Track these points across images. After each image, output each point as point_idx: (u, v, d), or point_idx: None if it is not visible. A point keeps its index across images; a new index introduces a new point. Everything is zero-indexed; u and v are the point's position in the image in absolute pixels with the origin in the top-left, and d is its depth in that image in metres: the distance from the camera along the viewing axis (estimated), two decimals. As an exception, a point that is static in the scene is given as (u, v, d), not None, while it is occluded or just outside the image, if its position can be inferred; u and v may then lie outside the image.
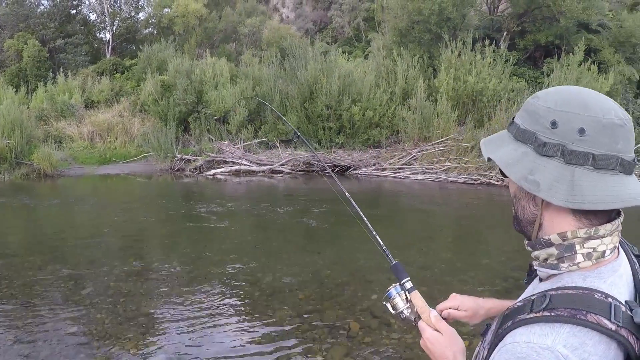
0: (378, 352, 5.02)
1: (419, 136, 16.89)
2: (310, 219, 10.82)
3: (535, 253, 1.21)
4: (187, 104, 18.55)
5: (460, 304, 1.65)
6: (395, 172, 15.80)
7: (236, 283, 6.74)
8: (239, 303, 6.11)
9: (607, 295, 1.05)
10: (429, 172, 15.87)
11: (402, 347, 5.15)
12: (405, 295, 1.68)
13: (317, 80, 17.51)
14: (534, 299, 1.10)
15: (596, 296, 1.05)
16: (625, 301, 1.07)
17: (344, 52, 22.16)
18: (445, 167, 16.00)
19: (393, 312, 1.69)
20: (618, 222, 1.14)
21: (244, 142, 17.58)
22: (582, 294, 1.06)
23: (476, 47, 19.23)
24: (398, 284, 1.71)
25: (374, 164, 16.17)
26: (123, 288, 6.50)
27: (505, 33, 23.17)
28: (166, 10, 29.07)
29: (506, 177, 1.21)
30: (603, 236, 1.12)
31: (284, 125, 17.29)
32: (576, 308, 1.03)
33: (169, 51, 22.89)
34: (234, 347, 5.06)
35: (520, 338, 1.04)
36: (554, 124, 1.11)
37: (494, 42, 20.52)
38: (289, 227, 10.20)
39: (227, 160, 16.97)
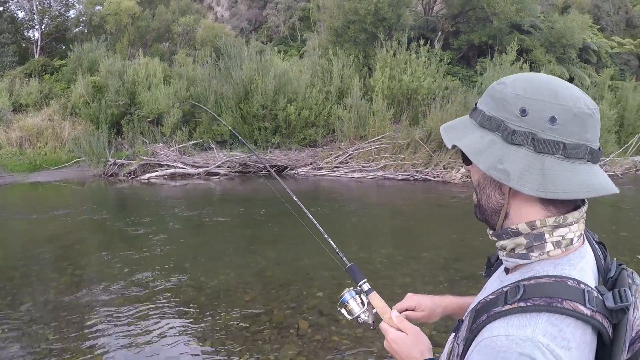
0: (329, 348, 5.06)
1: (355, 135, 16.94)
2: (249, 219, 10.68)
3: (502, 243, 1.17)
4: (120, 105, 18.03)
5: (417, 304, 1.62)
6: (332, 171, 15.80)
7: (180, 289, 6.56)
8: (185, 309, 5.94)
9: (579, 282, 1.05)
10: (366, 170, 15.95)
11: (352, 341, 5.21)
12: (361, 298, 1.65)
13: (253, 80, 17.33)
14: (507, 291, 1.08)
15: (569, 283, 1.05)
16: (595, 286, 1.07)
17: (279, 52, 22.06)
18: (382, 165, 16.10)
19: (349, 317, 1.66)
20: (583, 209, 1.14)
21: (178, 145, 17.22)
22: (555, 282, 1.05)
23: (411, 46, 19.46)
24: (352, 288, 1.68)
25: (311, 163, 16.12)
26: (64, 301, 6.16)
27: (439, 33, 23.58)
28: (98, 7, 28.20)
29: (468, 164, 1.20)
30: (571, 224, 1.11)
31: (219, 126, 17.06)
32: (551, 296, 1.02)
33: (101, 51, 22.11)
34: (185, 352, 4.96)
35: (498, 331, 1.02)
36: (523, 112, 1.07)
37: (429, 41, 20.83)
38: (228, 229, 10.01)
39: (162, 163, 16.57)
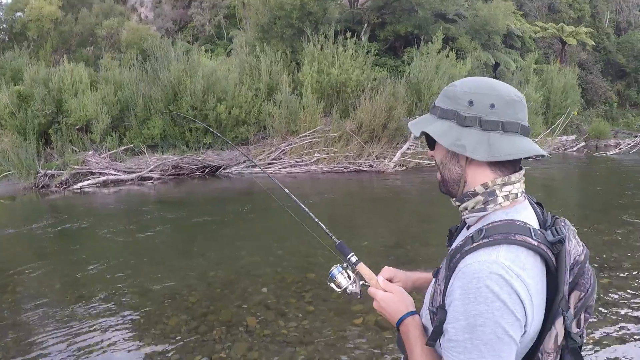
0: (279, 342, 5.18)
1: (287, 130, 17.00)
2: (186, 222, 10.64)
3: (465, 204, 1.53)
4: (47, 114, 17.55)
5: (394, 275, 1.88)
6: (266, 168, 15.81)
7: (125, 297, 6.49)
8: (132, 316, 5.90)
9: (525, 223, 1.42)
10: (300, 165, 16.06)
11: (300, 333, 5.37)
12: (347, 273, 1.87)
13: (181, 81, 17.13)
14: (472, 235, 1.42)
15: (518, 223, 1.41)
16: (537, 228, 1.44)
17: (206, 51, 21.89)
18: (315, 159, 16.23)
19: (338, 290, 1.87)
20: (522, 172, 1.51)
21: (109, 151, 16.89)
22: (508, 223, 1.41)
23: (338, 39, 19.54)
24: (338, 264, 1.90)
25: (244, 162, 16.08)
26: (8, 319, 5.97)
27: (366, 25, 23.83)
28: (18, 14, 27.43)
29: (432, 149, 1.59)
30: (514, 182, 1.48)
31: (149, 129, 16.86)
32: (506, 232, 1.37)
33: (24, 59, 21.56)
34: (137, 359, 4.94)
35: (470, 260, 1.35)
36: (471, 103, 1.45)
37: (356, 34, 21.03)
38: (166, 233, 9.94)
39: (94, 171, 16.20)
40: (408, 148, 17.76)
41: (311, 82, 18.35)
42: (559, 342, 1.41)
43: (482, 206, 1.49)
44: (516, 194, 1.49)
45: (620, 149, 26.42)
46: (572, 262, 1.43)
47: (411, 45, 23.51)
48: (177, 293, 6.50)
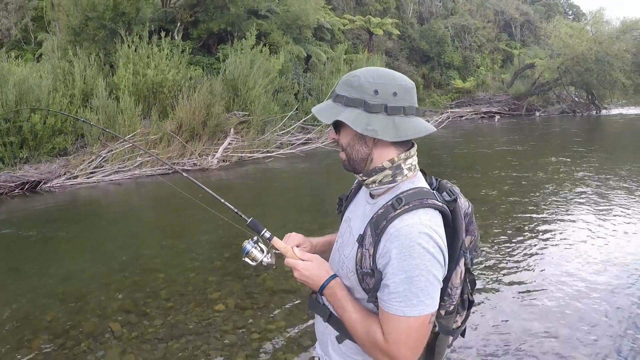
0: (149, 340, 5.39)
1: (106, 136, 16.80)
2: (15, 243, 9.97)
3: (372, 178, 1.79)
4: None
5: (302, 241, 2.11)
6: (88, 178, 15.48)
7: None
8: None
9: (428, 188, 1.77)
10: (123, 171, 15.92)
11: (168, 328, 5.64)
12: (260, 246, 2.04)
13: (-11, 91, 16.34)
14: (392, 203, 1.70)
15: (425, 190, 1.74)
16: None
17: (16, 57, 20.90)
18: (138, 163, 16.24)
19: (253, 263, 2.04)
20: (415, 147, 1.82)
21: None
22: (418, 190, 1.73)
23: (152, 40, 19.54)
24: (250, 239, 2.05)
25: (65, 173, 15.57)
26: None
27: (179, 24, 23.87)
28: None
29: (337, 132, 1.84)
30: (413, 156, 1.80)
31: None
32: (420, 198, 1.68)
33: None
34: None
35: (399, 224, 1.63)
36: (376, 92, 1.70)
37: (169, 33, 21.11)
38: None
39: None
40: (229, 143, 18.28)
41: (127, 85, 18.18)
42: (462, 277, 1.81)
43: (391, 179, 1.76)
44: (415, 166, 1.81)
45: (428, 126, 28.79)
46: (463, 214, 1.80)
47: (225, 42, 24.00)
48: (30, 315, 6.23)
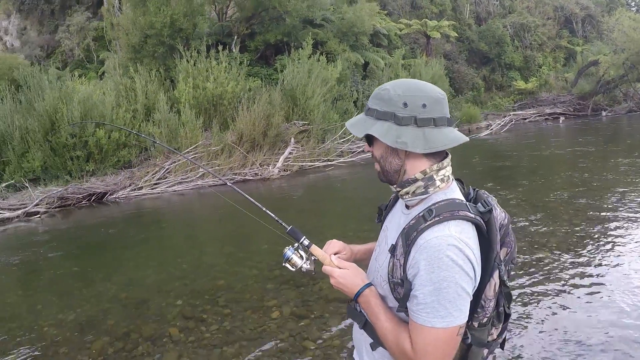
0: (205, 345, 5.46)
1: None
2: (83, 251, 10.48)
3: (406, 189, 1.79)
4: None
5: (342, 248, 2.13)
6: (152, 189, 15.83)
7: (40, 330, 6.31)
8: (53, 347, 5.80)
9: (461, 200, 1.74)
10: (186, 182, 16.15)
11: (223, 334, 5.68)
12: (299, 252, 2.08)
13: (57, 109, 16.82)
14: (423, 215, 1.70)
15: (457, 201, 1.72)
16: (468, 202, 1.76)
17: (79, 76, 21.52)
18: (200, 174, 16.44)
19: (293, 269, 2.08)
20: (449, 158, 1.79)
21: (-13, 189, 16.36)
22: (449, 202, 1.71)
23: (210, 53, 19.83)
24: (290, 246, 2.10)
25: (130, 185, 15.98)
26: None
27: (236, 37, 24.17)
28: None
29: (370, 145, 1.86)
30: (446, 167, 1.77)
31: (29, 162, 16.45)
32: (451, 210, 1.67)
33: None
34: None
35: (429, 236, 1.62)
36: (405, 105, 1.70)
37: (227, 46, 21.38)
38: (65, 265, 9.65)
39: (-26, 213, 15.65)
40: (290, 153, 18.28)
41: (188, 98, 18.52)
42: (496, 289, 1.78)
43: (424, 190, 1.76)
44: (448, 176, 1.79)
45: (491, 129, 28.12)
46: (498, 225, 1.79)
47: (282, 53, 24.14)
48: (94, 318, 6.49)
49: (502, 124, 29.53)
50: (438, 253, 1.59)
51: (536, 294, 6.16)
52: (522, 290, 6.24)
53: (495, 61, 40.91)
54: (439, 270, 1.58)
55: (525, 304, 5.88)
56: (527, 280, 6.53)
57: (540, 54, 43.28)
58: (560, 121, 33.55)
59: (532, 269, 6.92)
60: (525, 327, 5.35)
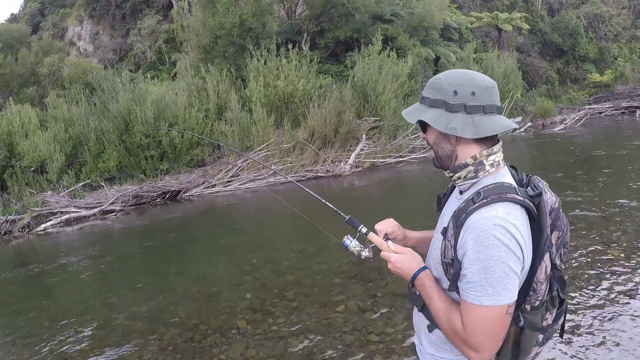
0: (272, 337, 5.58)
1: (241, 146, 17.21)
2: (157, 246, 10.80)
3: (458, 174, 1.88)
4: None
5: (395, 227, 2.28)
6: (225, 186, 15.97)
7: (115, 322, 6.62)
8: (127, 337, 6.09)
9: (510, 184, 1.79)
10: (258, 179, 16.23)
11: (290, 326, 5.79)
12: (357, 241, 2.19)
13: (131, 110, 17.20)
14: (472, 197, 1.77)
15: (505, 184, 1.78)
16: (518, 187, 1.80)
17: (152, 78, 21.94)
18: (272, 171, 16.45)
19: (357, 256, 2.20)
20: (500, 144, 1.87)
21: (67, 189, 16.81)
22: (498, 185, 1.78)
23: (280, 52, 19.88)
24: (348, 235, 2.21)
25: (203, 183, 16.20)
26: None
27: (305, 35, 24.10)
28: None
29: (424, 132, 1.95)
30: (496, 153, 1.84)
31: (105, 162, 16.88)
32: (499, 192, 1.73)
33: (-33, 106, 21.36)
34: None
35: (476, 217, 1.70)
36: (455, 93, 1.79)
37: (296, 44, 21.33)
38: (139, 260, 10.12)
39: (55, 211, 16.07)
40: (361, 149, 18.10)
41: (259, 97, 18.61)
42: (548, 273, 1.79)
43: (474, 174, 1.84)
44: (499, 162, 1.86)
45: (566, 124, 27.16)
46: (549, 209, 1.83)
47: (352, 49, 23.90)
48: (165, 311, 6.72)
49: (576, 118, 28.43)
50: (484, 233, 1.66)
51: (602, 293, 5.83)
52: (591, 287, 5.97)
53: (569, 53, 39.37)
54: (485, 250, 1.65)
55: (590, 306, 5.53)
56: (595, 278, 6.23)
57: (615, 45, 41.30)
58: (637, 115, 31.95)
59: (600, 265, 6.60)
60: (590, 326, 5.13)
